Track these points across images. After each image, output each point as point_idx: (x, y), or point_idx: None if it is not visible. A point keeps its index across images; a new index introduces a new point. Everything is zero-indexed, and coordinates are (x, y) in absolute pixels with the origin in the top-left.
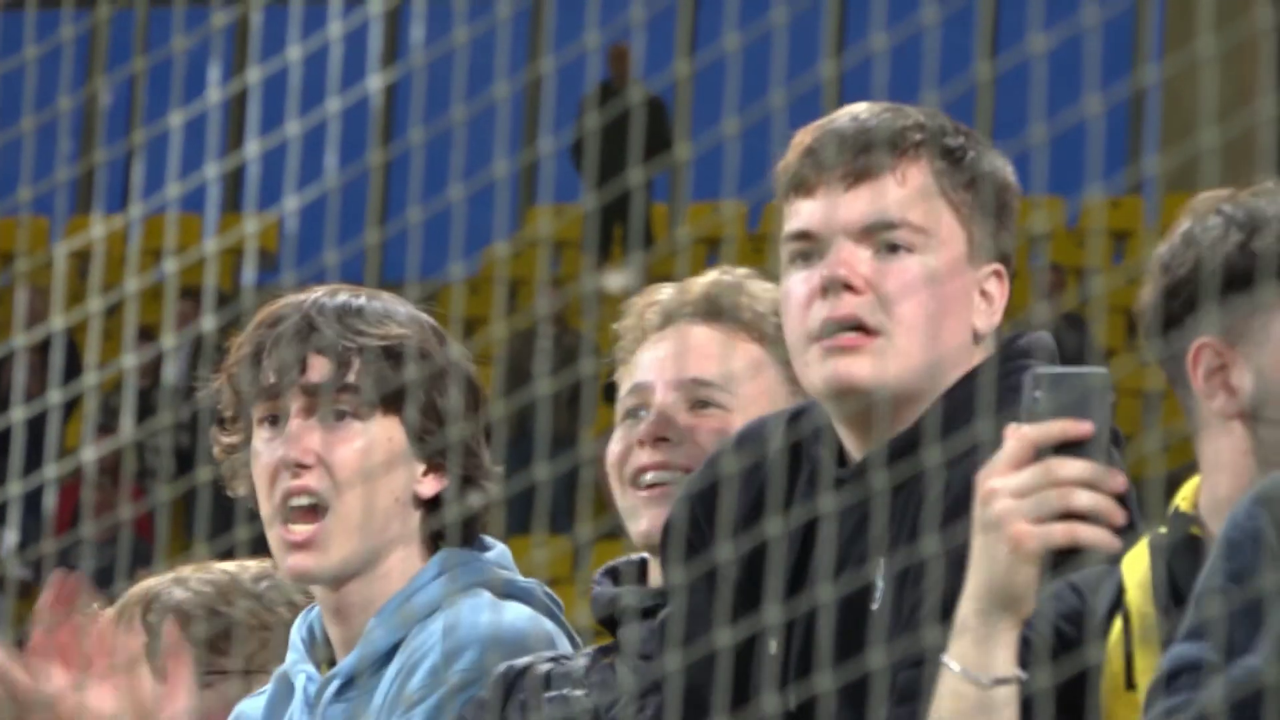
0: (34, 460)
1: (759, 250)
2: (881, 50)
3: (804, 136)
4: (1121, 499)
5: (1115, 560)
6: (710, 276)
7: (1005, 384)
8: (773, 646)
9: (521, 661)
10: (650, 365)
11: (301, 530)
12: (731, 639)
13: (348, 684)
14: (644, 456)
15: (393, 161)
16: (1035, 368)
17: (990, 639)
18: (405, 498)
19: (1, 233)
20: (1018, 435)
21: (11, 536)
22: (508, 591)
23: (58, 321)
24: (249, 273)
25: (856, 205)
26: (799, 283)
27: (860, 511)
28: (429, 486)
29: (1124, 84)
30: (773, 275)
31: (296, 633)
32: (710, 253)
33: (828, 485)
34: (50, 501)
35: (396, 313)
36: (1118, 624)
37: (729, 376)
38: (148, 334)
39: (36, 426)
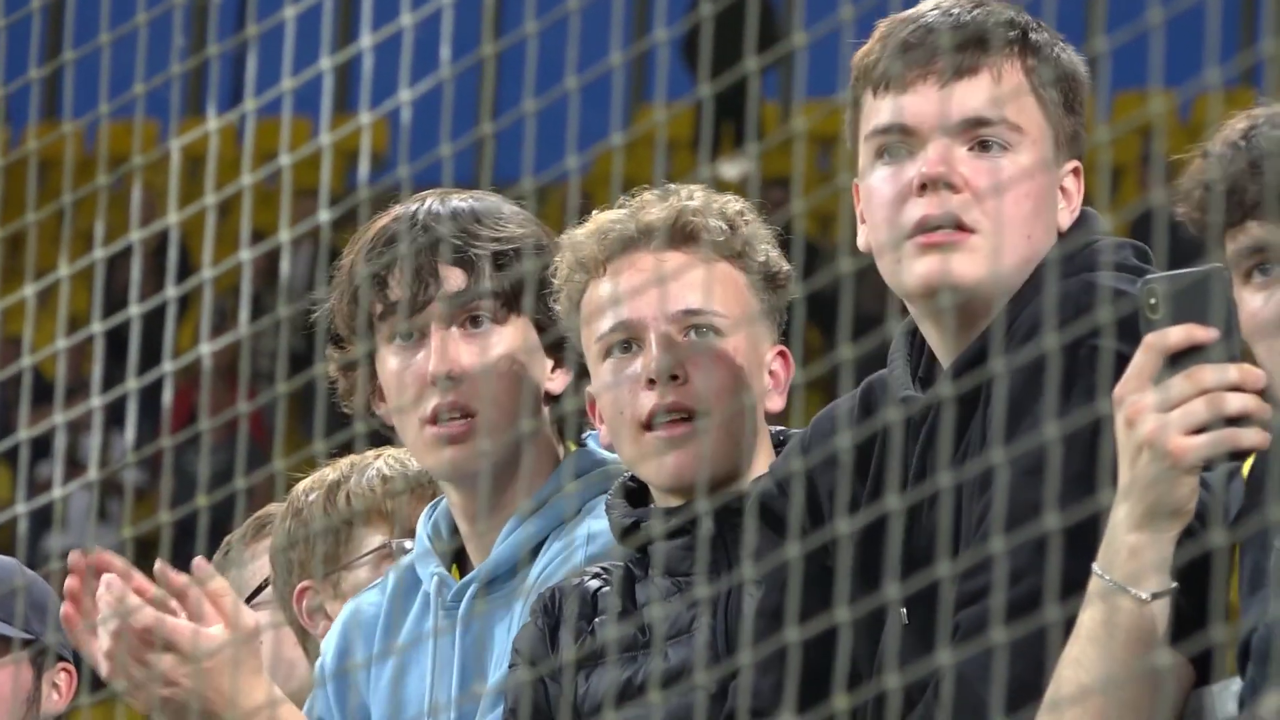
0: (150, 363)
1: None
2: None
3: (891, 29)
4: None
5: (1241, 457)
6: (666, 200)
7: (1071, 265)
8: (903, 616)
9: (567, 582)
10: (631, 298)
11: (456, 425)
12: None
13: (486, 585)
14: (656, 397)
15: (505, 57)
16: (1148, 275)
17: (1151, 552)
18: (540, 394)
19: (116, 136)
20: (1144, 346)
21: (128, 435)
22: None
23: (172, 218)
24: (362, 171)
25: (955, 102)
26: (887, 180)
27: (933, 428)
28: (558, 382)
29: None
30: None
31: (422, 529)
32: (822, 151)
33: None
34: (166, 399)
35: (505, 211)
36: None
37: (717, 300)
38: (261, 236)
39: (152, 329)
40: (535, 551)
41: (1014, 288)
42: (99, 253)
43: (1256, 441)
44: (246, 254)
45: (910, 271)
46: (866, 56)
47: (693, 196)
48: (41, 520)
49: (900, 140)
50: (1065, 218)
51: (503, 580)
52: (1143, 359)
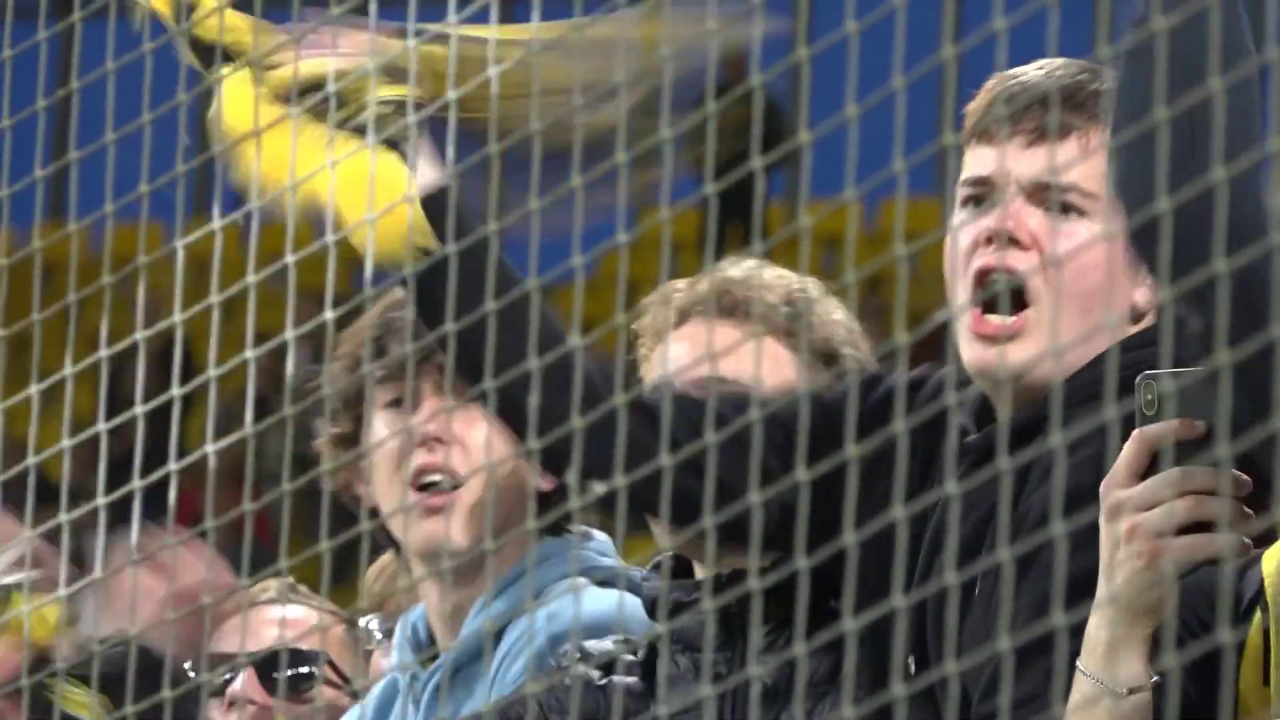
0: (155, 463)
1: (876, 248)
2: (1002, 30)
3: (997, 83)
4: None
5: (1217, 564)
6: (721, 270)
7: (1125, 373)
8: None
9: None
10: (678, 371)
11: (436, 497)
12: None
13: (454, 674)
14: None
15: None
16: (1147, 371)
17: (1124, 648)
18: (523, 488)
19: (121, 237)
20: (1133, 439)
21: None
22: (605, 579)
23: (177, 318)
24: (367, 273)
25: (1035, 161)
26: (965, 230)
27: (978, 490)
28: (548, 481)
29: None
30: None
31: (400, 635)
32: (827, 251)
33: (953, 459)
34: (171, 498)
35: None
36: (1258, 617)
37: (749, 375)
38: (266, 338)
39: (157, 430)
40: (500, 635)
41: (1069, 363)
42: (104, 352)
43: (1234, 549)
44: (251, 353)
45: (963, 350)
46: (972, 108)
47: (741, 265)
48: None
49: (981, 192)
50: (1148, 295)
51: (468, 664)
52: (1131, 453)
